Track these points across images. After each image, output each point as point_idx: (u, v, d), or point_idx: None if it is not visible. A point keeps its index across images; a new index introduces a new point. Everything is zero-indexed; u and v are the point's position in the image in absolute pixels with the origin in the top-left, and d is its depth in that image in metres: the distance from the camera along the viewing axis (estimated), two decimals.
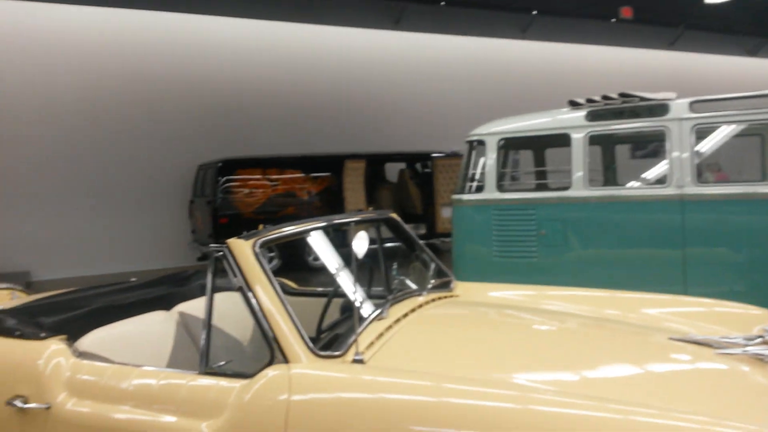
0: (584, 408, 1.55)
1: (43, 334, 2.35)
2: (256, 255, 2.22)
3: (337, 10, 13.65)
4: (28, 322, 2.54)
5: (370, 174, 11.78)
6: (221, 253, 2.22)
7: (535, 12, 15.20)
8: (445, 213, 11.87)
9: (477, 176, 4.81)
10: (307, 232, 2.61)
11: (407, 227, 3.13)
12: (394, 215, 3.11)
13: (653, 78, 17.46)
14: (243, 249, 2.26)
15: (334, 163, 11.14)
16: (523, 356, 2.08)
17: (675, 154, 4.21)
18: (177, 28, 12.35)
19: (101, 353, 2.36)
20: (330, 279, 2.67)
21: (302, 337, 1.95)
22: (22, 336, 2.37)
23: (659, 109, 4.32)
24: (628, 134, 4.75)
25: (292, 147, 12.87)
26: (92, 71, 11.69)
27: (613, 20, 16.26)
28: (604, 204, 4.32)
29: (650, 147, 5.92)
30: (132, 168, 11.97)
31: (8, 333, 2.40)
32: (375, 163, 12.62)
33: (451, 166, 11.79)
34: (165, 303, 3.06)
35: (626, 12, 13.62)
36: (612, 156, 5.54)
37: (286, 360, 1.90)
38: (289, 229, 2.53)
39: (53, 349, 2.27)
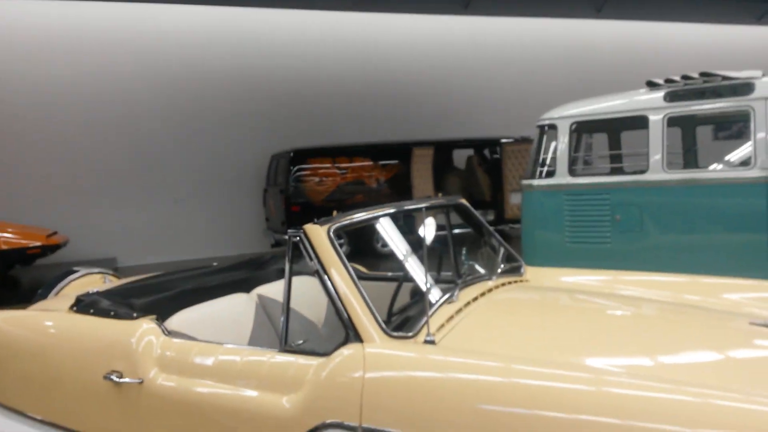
0: (660, 391, 1.53)
1: (135, 314, 2.53)
2: (331, 240, 2.30)
3: None
4: (121, 303, 2.73)
5: (438, 161, 11.75)
6: (298, 238, 2.30)
7: None
8: (514, 199, 11.70)
9: (548, 161, 4.73)
10: (378, 218, 2.65)
11: (476, 213, 3.13)
12: (463, 201, 3.12)
13: (737, 55, 16.48)
14: (319, 234, 2.35)
15: (402, 151, 11.19)
16: (597, 340, 2.06)
17: (760, 135, 3.99)
18: (249, 22, 12.71)
19: (188, 332, 2.52)
20: (399, 264, 2.72)
21: (375, 319, 2.02)
22: (117, 316, 2.56)
23: (744, 88, 4.11)
24: (709, 115, 4.53)
25: (361, 135, 13.01)
26: (171, 68, 12.23)
27: None
28: (684, 188, 4.15)
29: (733, 128, 5.63)
30: (209, 160, 12.48)
31: (104, 313, 2.60)
32: (443, 150, 12.56)
33: (521, 152, 11.60)
34: (245, 286, 3.21)
35: None
36: (692, 138, 5.30)
37: (360, 340, 1.97)
38: (361, 216, 2.59)
39: (145, 328, 2.44)
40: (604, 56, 15.87)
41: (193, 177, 12.39)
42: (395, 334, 1.99)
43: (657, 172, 4.28)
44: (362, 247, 10.66)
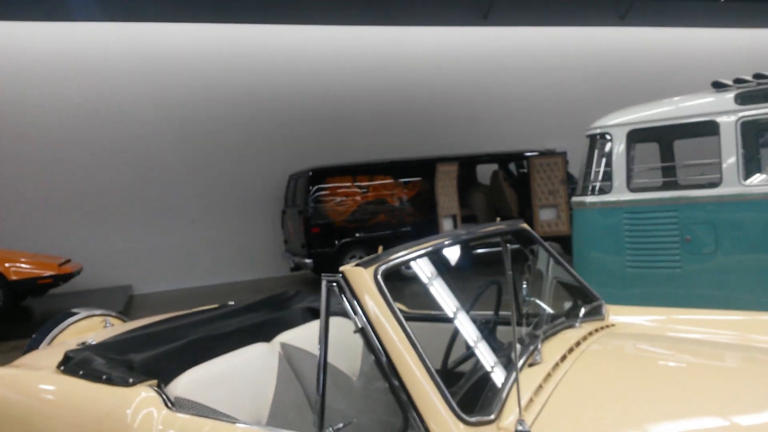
0: None
1: (131, 380, 2.05)
2: (380, 286, 1.76)
3: (422, 9, 13.26)
4: (118, 361, 2.25)
5: (462, 177, 11.25)
6: (335, 284, 1.78)
7: None
8: (544, 215, 11.15)
9: (602, 175, 4.20)
10: (434, 252, 2.13)
11: (542, 240, 2.62)
12: (525, 225, 2.61)
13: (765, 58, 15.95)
14: (363, 279, 1.79)
15: (424, 167, 10.71)
16: (734, 411, 1.53)
17: None
18: (264, 39, 12.38)
19: (196, 398, 2.03)
20: (450, 303, 2.21)
21: (446, 399, 1.49)
22: (110, 380, 2.07)
23: None
24: None
25: (381, 152, 12.55)
26: (184, 87, 11.91)
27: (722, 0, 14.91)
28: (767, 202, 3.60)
29: None
30: (225, 181, 12.10)
31: (95, 376, 2.12)
32: (466, 165, 12.08)
33: (549, 165, 11.06)
34: (265, 331, 2.72)
35: None
36: (755, 145, 4.75)
37: (425, 428, 1.46)
38: (413, 251, 2.05)
39: (143, 397, 1.96)
40: (629, 64, 15.34)
41: (209, 199, 12.01)
42: (472, 419, 1.46)
43: (732, 185, 3.74)
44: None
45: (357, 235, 10.34)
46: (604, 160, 4.20)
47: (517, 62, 14.34)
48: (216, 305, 3.21)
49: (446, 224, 10.57)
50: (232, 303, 3.22)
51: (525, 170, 11.40)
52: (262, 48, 12.40)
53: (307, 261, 10.11)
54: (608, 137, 4.15)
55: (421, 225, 10.59)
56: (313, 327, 2.65)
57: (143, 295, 11.09)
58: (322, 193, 10.28)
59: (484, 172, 13.21)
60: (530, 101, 14.40)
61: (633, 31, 15.39)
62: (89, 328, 3.21)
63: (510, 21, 14.10)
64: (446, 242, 2.20)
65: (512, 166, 12.01)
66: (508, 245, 2.18)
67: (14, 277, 8.72)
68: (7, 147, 10.92)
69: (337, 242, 10.24)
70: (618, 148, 4.08)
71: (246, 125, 12.29)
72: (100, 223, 11.34)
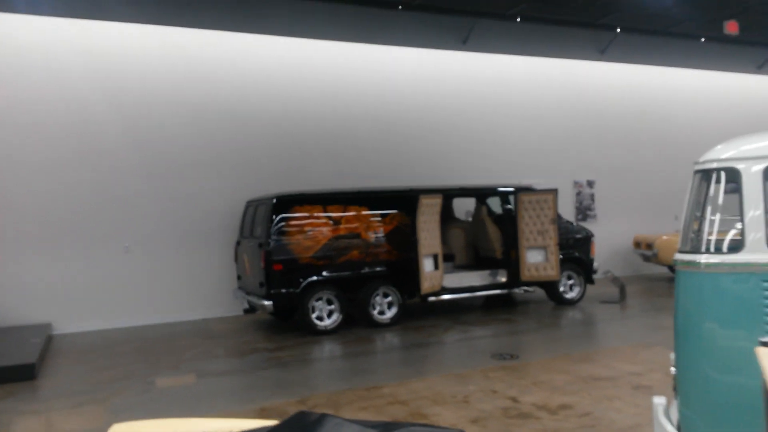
0: None
1: None
2: None
3: (402, 29, 12.20)
4: None
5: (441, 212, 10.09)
6: None
7: (618, 30, 13.56)
8: (531, 258, 10.08)
9: (725, 226, 3.06)
10: None
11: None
12: None
13: (734, 101, 15.84)
14: None
15: (405, 199, 9.49)
16: None
17: None
18: (224, 47, 10.98)
19: None
20: None
21: None
22: None
23: None
24: None
25: (348, 181, 11.29)
26: (125, 89, 10.33)
27: (703, 40, 14.55)
28: None
29: None
30: (166, 205, 10.49)
31: None
32: (448, 198, 10.98)
33: (538, 203, 10.05)
34: None
35: (732, 27, 11.80)
36: None
37: None
38: None
39: None
40: (609, 97, 14.75)
41: (147, 225, 10.36)
42: None
43: None
44: (359, 314, 8.85)
45: (325, 274, 8.95)
46: (721, 205, 3.05)
47: (497, 91, 13.46)
48: None
49: (427, 264, 9.33)
50: None
51: (511, 207, 10.35)
52: (220, 56, 10.99)
53: (266, 303, 8.63)
54: (736, 175, 3.01)
55: (398, 264, 9.31)
56: None
57: (65, 336, 9.29)
58: (287, 223, 8.87)
59: (460, 207, 12.15)
60: (508, 133, 13.51)
61: (613, 67, 14.85)
62: None
63: (489, 48, 13.24)
64: None
65: (495, 202, 10.95)
66: None
67: None
68: None
69: (301, 281, 8.81)
70: (752, 188, 2.94)
71: (198, 142, 10.77)
72: (15, 250, 9.51)
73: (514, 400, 5.30)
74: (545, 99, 14.03)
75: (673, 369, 3.44)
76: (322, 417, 1.93)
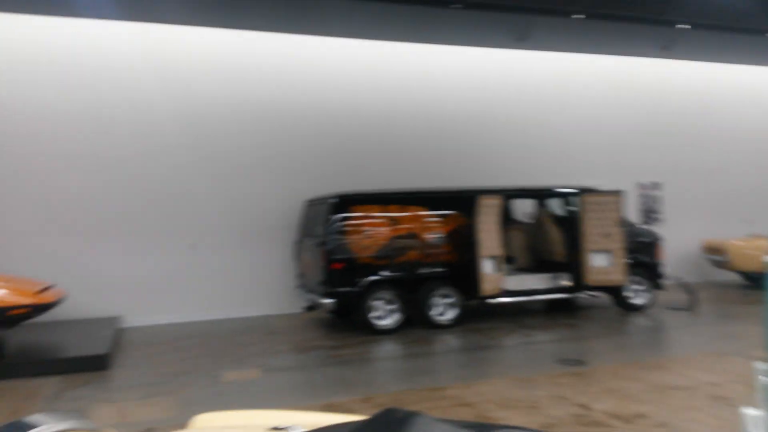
0: None
1: None
2: None
3: (455, 27, 12.07)
4: None
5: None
6: None
7: (683, 26, 13.04)
8: (595, 261, 9.79)
9: None
10: None
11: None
12: None
13: None
14: None
15: (464, 200, 9.37)
16: None
17: None
18: (284, 49, 11.13)
19: None
20: None
21: None
22: None
23: None
24: None
25: (404, 182, 11.25)
26: (191, 96, 10.61)
27: None
28: None
29: None
30: (229, 203, 10.71)
31: None
32: (508, 199, 10.80)
33: (603, 205, 9.76)
34: None
35: None
36: None
37: None
38: None
39: None
40: (672, 96, 14.22)
41: (211, 223, 10.60)
42: None
43: None
44: (417, 315, 8.83)
45: (384, 273, 8.95)
46: None
47: (555, 89, 13.16)
48: None
49: (486, 266, 9.20)
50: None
51: (572, 208, 10.09)
52: (281, 59, 11.14)
53: (326, 301, 8.70)
54: None
55: (457, 266, 9.22)
56: None
57: (133, 329, 9.60)
58: (347, 223, 8.93)
59: (519, 209, 11.92)
60: (568, 133, 13.19)
61: (677, 64, 14.31)
62: None
63: (547, 45, 12.95)
64: None
65: (557, 203, 10.70)
66: None
67: None
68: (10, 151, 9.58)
69: (361, 281, 8.84)
70: None
71: (258, 143, 10.96)
72: (89, 245, 9.91)
73: (585, 407, 5.14)
74: (607, 98, 13.64)
75: (764, 378, 3.24)
76: (412, 414, 1.89)
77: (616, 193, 9.76)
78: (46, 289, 8.08)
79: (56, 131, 9.89)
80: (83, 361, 7.17)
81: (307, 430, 2.13)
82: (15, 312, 7.62)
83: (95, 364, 7.12)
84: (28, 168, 9.74)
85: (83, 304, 9.56)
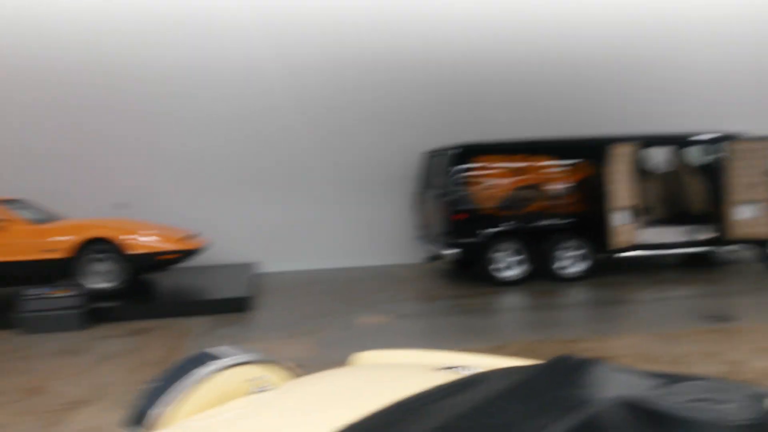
0: None
1: None
2: None
3: None
4: None
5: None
6: None
7: None
8: (740, 214, 9.03)
9: None
10: None
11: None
12: None
13: None
14: None
15: (593, 148, 8.92)
16: None
17: None
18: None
19: None
20: None
21: None
22: None
23: None
24: None
25: (528, 130, 10.85)
26: (312, 53, 10.81)
27: None
28: None
29: None
30: (353, 156, 10.95)
31: None
32: (642, 147, 10.14)
33: (751, 152, 8.92)
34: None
35: None
36: None
37: None
38: None
39: None
40: None
41: (333, 176, 10.94)
42: None
43: None
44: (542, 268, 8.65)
45: (507, 225, 8.80)
46: None
47: (691, 24, 11.97)
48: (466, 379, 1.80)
49: (618, 217, 8.77)
50: (478, 372, 1.79)
51: (713, 156, 9.30)
52: (392, 6, 11.00)
53: (449, 252, 8.73)
54: None
55: (586, 217, 8.87)
56: None
57: (268, 274, 10.20)
58: (469, 173, 8.82)
59: (654, 157, 11.17)
60: (706, 72, 12.03)
61: None
62: (228, 392, 1.91)
63: None
64: None
65: (696, 151, 9.92)
66: None
67: (131, 251, 7.99)
68: (152, 111, 10.42)
69: (483, 232, 8.75)
70: None
71: (376, 95, 11.02)
72: (229, 198, 10.64)
73: (738, 364, 4.83)
74: (753, 31, 12.26)
75: None
76: (591, 361, 1.79)
77: (766, 140, 8.87)
78: (190, 237, 8.76)
79: (189, 94, 10.53)
80: (227, 302, 7.74)
81: (478, 370, 2.12)
82: (163, 257, 8.34)
83: (238, 306, 7.66)
84: (167, 130, 10.51)
85: (221, 251, 10.26)
